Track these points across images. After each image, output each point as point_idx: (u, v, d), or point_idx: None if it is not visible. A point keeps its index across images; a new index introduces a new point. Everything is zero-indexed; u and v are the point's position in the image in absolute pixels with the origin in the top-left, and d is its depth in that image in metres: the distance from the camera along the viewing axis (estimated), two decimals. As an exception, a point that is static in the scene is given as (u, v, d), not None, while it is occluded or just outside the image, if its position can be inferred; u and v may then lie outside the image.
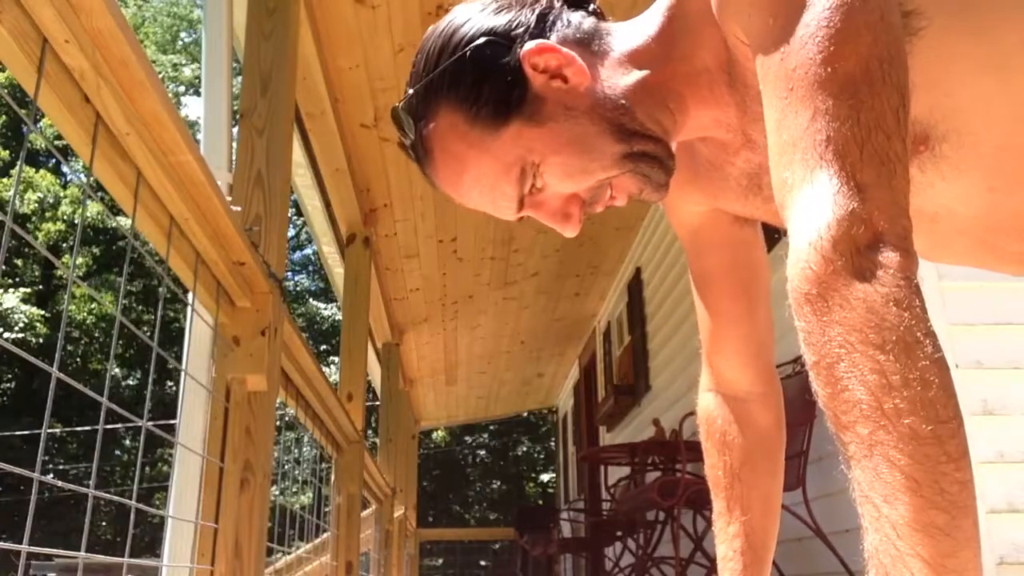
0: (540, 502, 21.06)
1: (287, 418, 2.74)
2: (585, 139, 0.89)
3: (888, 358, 0.62)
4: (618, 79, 0.91)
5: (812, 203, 0.68)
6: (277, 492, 2.30)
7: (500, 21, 0.90)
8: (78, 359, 19.88)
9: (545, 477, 22.18)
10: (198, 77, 18.14)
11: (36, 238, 16.98)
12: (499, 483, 23.38)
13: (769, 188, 0.96)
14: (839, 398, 0.64)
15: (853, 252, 0.65)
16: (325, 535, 3.76)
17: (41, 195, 18.89)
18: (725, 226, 1.11)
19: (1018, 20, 0.82)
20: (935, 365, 0.62)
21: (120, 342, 19.63)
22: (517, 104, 0.88)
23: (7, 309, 17.18)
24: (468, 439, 23.17)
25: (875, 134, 0.68)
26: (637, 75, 0.91)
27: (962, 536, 0.59)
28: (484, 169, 0.90)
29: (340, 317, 4.82)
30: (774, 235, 3.62)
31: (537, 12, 0.91)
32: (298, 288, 23.00)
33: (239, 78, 2.11)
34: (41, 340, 17.76)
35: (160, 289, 1.31)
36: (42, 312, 18.33)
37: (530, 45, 0.88)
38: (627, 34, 0.93)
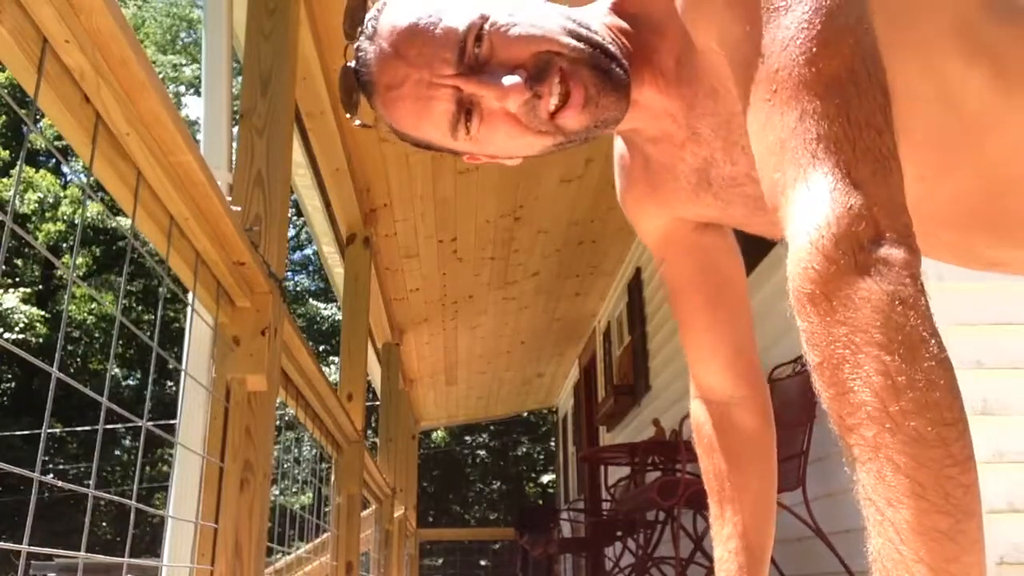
0: (540, 502, 21.06)
1: (287, 418, 2.73)
2: (539, 14, 0.87)
3: (893, 359, 0.60)
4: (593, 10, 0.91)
5: (809, 201, 0.67)
6: (277, 492, 2.30)
7: None
8: (78, 359, 19.88)
9: (545, 478, 22.17)
10: (198, 77, 18.13)
11: (36, 238, 16.98)
12: (499, 483, 23.37)
13: (719, 183, 0.96)
14: (843, 400, 0.62)
15: (856, 249, 0.63)
16: (325, 535, 3.76)
17: (41, 195, 18.88)
18: (688, 234, 1.11)
19: (934, 5, 0.82)
20: (940, 366, 0.61)
21: (120, 342, 19.63)
22: None
23: (7, 309, 17.18)
24: (468, 439, 23.16)
25: (866, 131, 0.68)
26: (607, 18, 0.91)
27: (966, 540, 0.59)
28: (433, 23, 0.84)
29: (340, 317, 4.82)
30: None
31: None
32: (298, 288, 23.00)
33: (239, 78, 2.11)
34: (41, 340, 17.75)
35: (160, 289, 1.31)
36: (42, 312, 18.33)
37: None
38: None
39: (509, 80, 0.83)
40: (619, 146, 1.11)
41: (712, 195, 0.98)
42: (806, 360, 0.67)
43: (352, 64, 0.91)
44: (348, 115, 0.97)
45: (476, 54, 0.84)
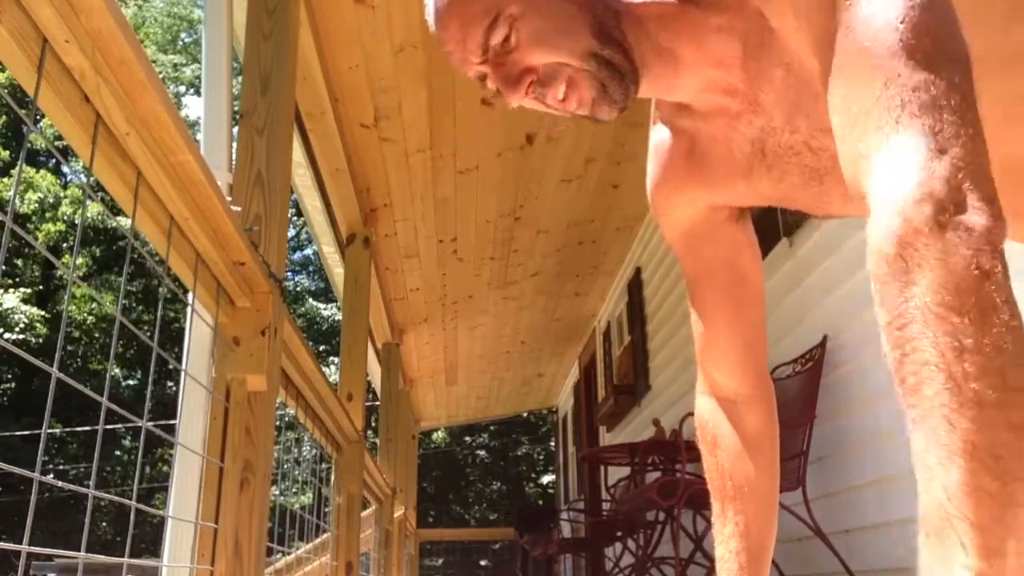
0: (540, 502, 21.06)
1: (287, 418, 2.73)
2: (566, 17, 0.92)
3: (963, 321, 0.61)
4: None
5: (892, 166, 0.67)
6: (277, 492, 2.30)
7: None
8: (78, 359, 19.87)
9: (545, 479, 22.17)
10: (198, 77, 18.14)
11: (36, 238, 16.98)
12: (499, 484, 23.37)
13: (775, 153, 0.97)
14: (908, 359, 0.63)
15: (937, 212, 0.64)
16: (325, 535, 3.76)
17: (41, 195, 18.88)
18: (718, 224, 1.12)
19: None
20: (1011, 333, 0.61)
21: (120, 342, 19.63)
22: None
23: (7, 309, 17.17)
24: (468, 439, 23.15)
25: (951, 96, 0.68)
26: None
27: (1012, 502, 0.59)
28: (468, 3, 0.93)
29: (340, 317, 4.82)
30: (775, 237, 3.58)
31: None
32: (298, 288, 22.99)
33: (239, 78, 2.11)
34: (41, 340, 17.75)
35: (160, 289, 1.31)
36: (42, 312, 18.32)
37: None
38: None
39: (517, 87, 0.94)
40: (657, 135, 1.11)
41: (766, 167, 0.99)
42: (878, 319, 0.66)
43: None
44: None
45: (498, 51, 0.94)
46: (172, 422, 1.85)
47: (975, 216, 0.64)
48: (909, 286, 0.63)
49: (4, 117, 19.57)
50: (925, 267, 0.63)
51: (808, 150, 0.95)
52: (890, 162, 0.68)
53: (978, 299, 0.61)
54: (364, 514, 4.14)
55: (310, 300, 22.74)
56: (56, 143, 14.20)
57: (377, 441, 5.90)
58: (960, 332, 0.61)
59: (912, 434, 0.63)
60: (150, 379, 1.82)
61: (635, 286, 6.13)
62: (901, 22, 0.71)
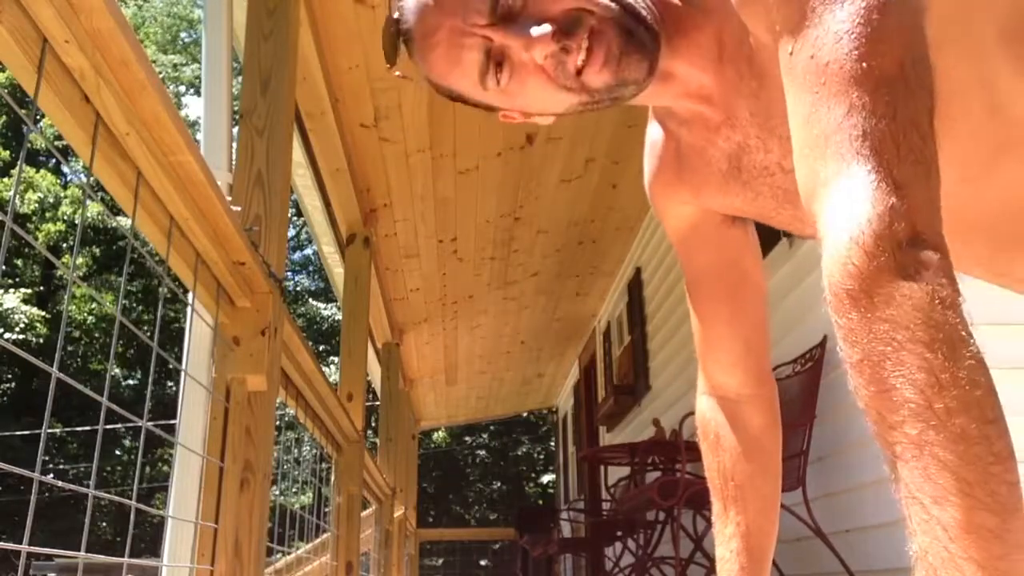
0: (540, 502, 21.06)
1: (287, 418, 2.73)
2: None
3: (936, 356, 0.61)
4: None
5: (849, 197, 0.67)
6: (277, 492, 2.30)
7: None
8: (78, 359, 19.87)
9: (545, 478, 22.17)
10: (198, 77, 18.14)
11: (36, 238, 16.98)
12: (499, 483, 23.37)
13: (750, 171, 0.96)
14: (885, 397, 0.63)
15: (895, 248, 0.64)
16: (325, 535, 3.76)
17: (41, 195, 18.87)
18: (714, 226, 1.11)
19: (986, 11, 0.82)
20: (980, 364, 0.62)
21: (120, 342, 19.62)
22: None
23: (7, 309, 17.17)
24: (468, 439, 23.15)
25: (911, 133, 0.68)
26: None
27: (1013, 539, 0.59)
28: None
29: (340, 317, 4.82)
30: (774, 237, 3.58)
31: None
32: (298, 288, 22.99)
33: (239, 78, 2.11)
34: (41, 340, 17.74)
35: (160, 289, 1.31)
36: (42, 312, 18.32)
37: None
38: None
39: (537, 31, 0.84)
40: (652, 132, 1.11)
41: (741, 184, 0.98)
42: (843, 357, 0.66)
43: (395, 14, 0.91)
44: (389, 65, 0.95)
45: (509, 5, 0.85)
46: (172, 422, 1.85)
47: (929, 251, 0.64)
48: (877, 323, 0.63)
49: (4, 117, 19.57)
50: (892, 303, 0.63)
51: (781, 171, 0.94)
52: (847, 192, 0.68)
53: (946, 333, 0.62)
54: (364, 514, 4.14)
55: (310, 300, 22.74)
56: (56, 143, 14.19)
57: (377, 441, 5.90)
58: (936, 367, 0.61)
59: (897, 471, 0.63)
60: (150, 379, 1.82)
61: (635, 286, 6.13)
62: (866, 48, 0.70)
